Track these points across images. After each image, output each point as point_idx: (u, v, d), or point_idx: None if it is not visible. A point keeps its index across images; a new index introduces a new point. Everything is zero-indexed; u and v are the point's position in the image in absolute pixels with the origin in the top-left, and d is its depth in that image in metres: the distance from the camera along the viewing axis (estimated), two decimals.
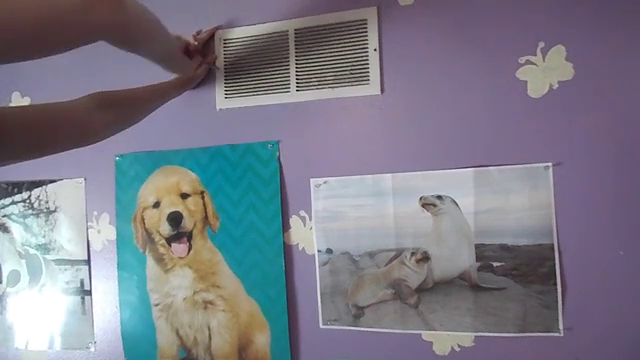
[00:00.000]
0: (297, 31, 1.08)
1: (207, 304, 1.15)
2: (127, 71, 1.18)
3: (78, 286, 1.27)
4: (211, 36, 1.15)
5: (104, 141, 0.89)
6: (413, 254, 1.02)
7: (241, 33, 1.13)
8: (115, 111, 0.91)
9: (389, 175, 1.03)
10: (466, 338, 0.99)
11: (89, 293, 1.26)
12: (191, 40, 1.11)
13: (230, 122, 1.15)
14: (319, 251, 1.08)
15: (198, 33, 1.14)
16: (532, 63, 0.95)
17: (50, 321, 1.29)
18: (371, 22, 1.04)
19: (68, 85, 1.24)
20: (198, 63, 1.11)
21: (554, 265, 0.94)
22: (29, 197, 1.30)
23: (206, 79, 1.15)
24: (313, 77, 1.08)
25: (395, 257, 1.03)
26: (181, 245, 1.15)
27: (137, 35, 0.78)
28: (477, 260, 0.98)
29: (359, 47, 1.05)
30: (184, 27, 1.14)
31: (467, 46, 0.99)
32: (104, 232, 1.25)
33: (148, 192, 1.19)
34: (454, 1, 1.00)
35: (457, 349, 1.00)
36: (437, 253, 1.00)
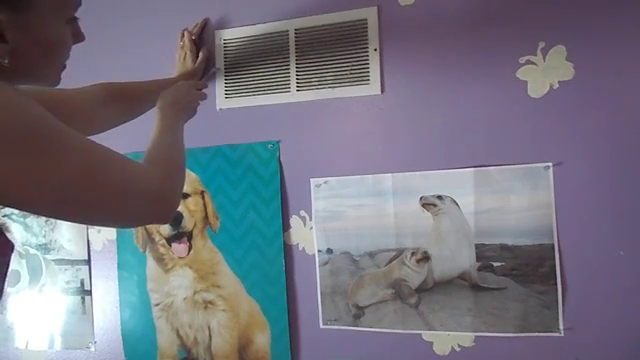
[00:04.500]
0: (297, 31, 1.08)
1: (207, 304, 1.15)
2: (127, 67, 1.18)
3: (78, 286, 1.27)
4: (203, 28, 1.15)
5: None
6: (413, 254, 1.02)
7: (241, 33, 1.13)
8: (121, 106, 0.93)
9: (389, 175, 1.03)
10: (466, 338, 0.99)
11: (89, 293, 1.26)
12: (187, 39, 1.12)
13: (230, 122, 1.15)
14: (319, 251, 1.08)
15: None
16: (532, 63, 0.95)
17: (50, 321, 1.29)
18: (371, 22, 1.04)
19: (68, 82, 1.24)
20: (195, 57, 1.12)
21: (554, 265, 0.94)
22: None
23: (206, 79, 1.15)
24: (313, 77, 1.08)
25: (395, 257, 1.03)
26: (181, 245, 1.15)
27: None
28: (477, 260, 0.98)
29: (359, 47, 1.05)
30: (184, 26, 1.14)
31: (467, 46, 0.99)
32: (104, 232, 1.25)
33: None
34: (454, 1, 1.00)
35: (457, 349, 1.00)
36: (437, 253, 1.00)
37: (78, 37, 0.65)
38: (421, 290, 1.01)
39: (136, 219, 0.67)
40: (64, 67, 0.65)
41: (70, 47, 0.63)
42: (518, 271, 0.95)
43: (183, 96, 0.91)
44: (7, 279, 0.60)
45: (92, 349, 1.27)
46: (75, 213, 0.57)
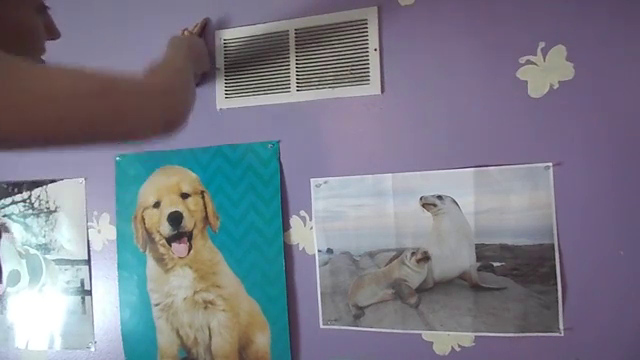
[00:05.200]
0: (297, 31, 1.08)
1: (207, 304, 1.15)
2: (128, 67, 1.18)
3: (78, 286, 1.27)
4: (203, 28, 1.15)
5: None
6: (413, 254, 1.02)
7: (241, 33, 1.13)
8: None
9: (389, 175, 1.03)
10: (466, 338, 0.99)
11: (89, 293, 1.26)
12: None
13: (230, 122, 1.15)
14: (319, 251, 1.08)
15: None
16: (532, 63, 0.95)
17: (50, 321, 1.29)
18: (371, 22, 1.04)
19: None
20: None
21: (554, 265, 0.94)
22: (29, 197, 1.30)
23: (206, 79, 1.15)
24: (313, 77, 1.08)
25: (395, 257, 1.03)
26: (181, 245, 1.15)
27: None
28: (477, 260, 0.98)
29: (359, 47, 1.05)
30: (184, 26, 1.14)
31: (467, 46, 0.99)
32: (104, 232, 1.25)
33: (148, 192, 1.19)
34: (454, 1, 1.00)
35: (457, 349, 1.00)
36: (437, 253, 1.00)
37: (52, 32, 0.62)
38: (421, 290, 1.01)
39: (138, 133, 0.61)
40: (42, 62, 0.62)
41: (43, 40, 0.61)
42: (518, 271, 0.95)
43: (197, 45, 0.91)
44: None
45: (92, 349, 1.27)
46: (79, 141, 0.55)
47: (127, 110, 0.55)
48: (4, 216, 1.32)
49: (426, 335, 1.02)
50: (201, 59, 0.92)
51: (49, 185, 1.29)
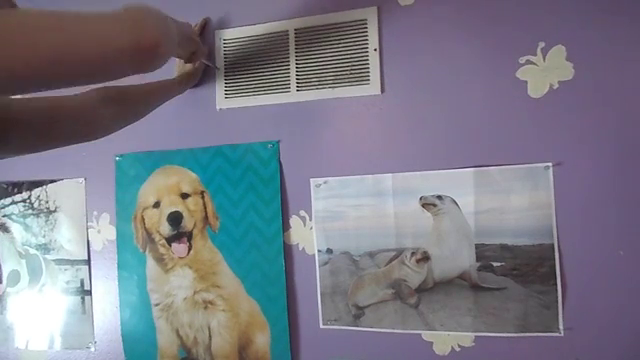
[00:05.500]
0: (297, 31, 1.08)
1: (207, 304, 1.15)
2: None
3: (78, 286, 1.27)
4: (203, 27, 1.15)
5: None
6: (413, 254, 1.02)
7: (241, 33, 1.13)
8: (120, 107, 0.92)
9: (389, 175, 1.03)
10: (466, 338, 0.99)
11: (89, 293, 1.26)
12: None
13: (230, 122, 1.15)
14: (319, 251, 1.08)
15: None
16: (532, 63, 0.95)
17: (50, 321, 1.29)
18: (371, 22, 1.04)
19: None
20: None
21: (554, 265, 0.94)
22: (29, 197, 1.30)
23: (206, 79, 1.15)
24: (313, 77, 1.08)
25: (395, 257, 1.03)
26: (181, 245, 1.15)
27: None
28: (477, 260, 0.98)
29: (359, 47, 1.05)
30: None
31: (467, 46, 0.99)
32: (104, 232, 1.25)
33: (148, 192, 1.19)
34: (454, 1, 1.00)
35: (457, 349, 1.00)
36: (437, 253, 1.00)
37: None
38: (421, 290, 1.01)
39: (106, 54, 0.61)
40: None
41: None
42: (518, 271, 0.95)
43: (185, 26, 0.92)
44: None
45: (92, 349, 1.27)
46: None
47: (92, 30, 0.57)
48: (4, 216, 1.32)
49: (426, 335, 1.02)
50: (190, 38, 0.93)
51: (49, 185, 1.29)
